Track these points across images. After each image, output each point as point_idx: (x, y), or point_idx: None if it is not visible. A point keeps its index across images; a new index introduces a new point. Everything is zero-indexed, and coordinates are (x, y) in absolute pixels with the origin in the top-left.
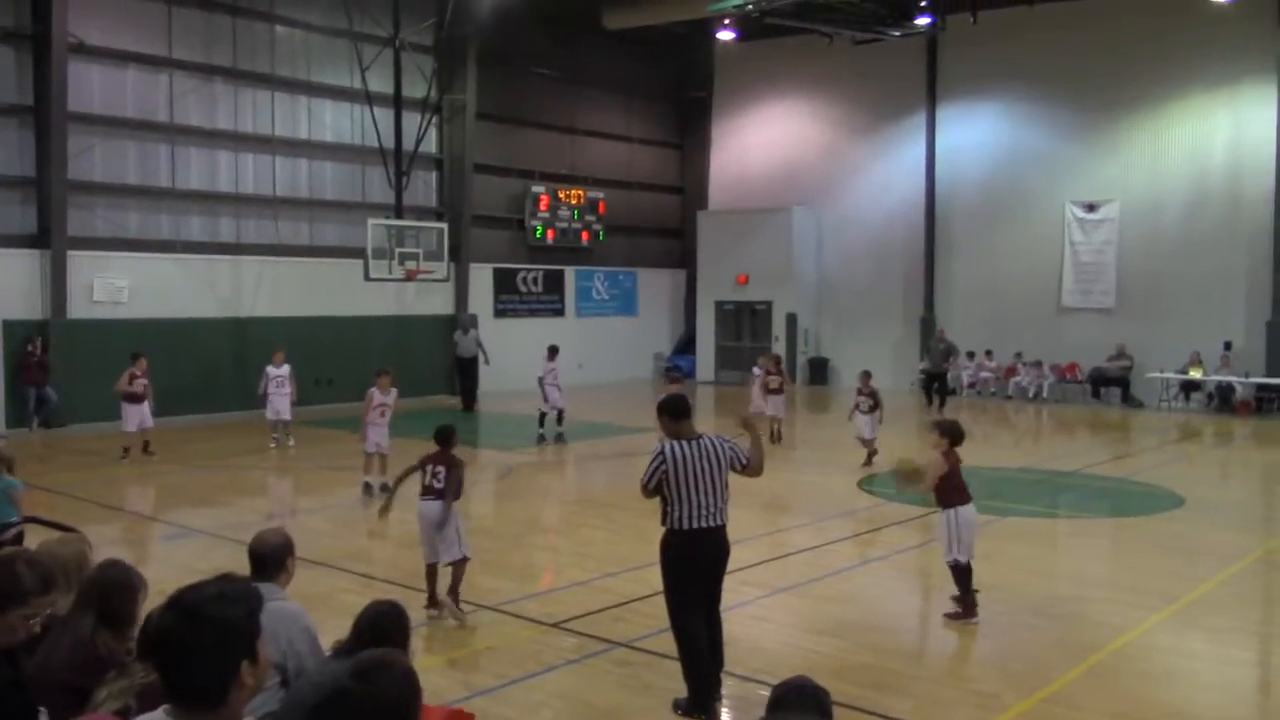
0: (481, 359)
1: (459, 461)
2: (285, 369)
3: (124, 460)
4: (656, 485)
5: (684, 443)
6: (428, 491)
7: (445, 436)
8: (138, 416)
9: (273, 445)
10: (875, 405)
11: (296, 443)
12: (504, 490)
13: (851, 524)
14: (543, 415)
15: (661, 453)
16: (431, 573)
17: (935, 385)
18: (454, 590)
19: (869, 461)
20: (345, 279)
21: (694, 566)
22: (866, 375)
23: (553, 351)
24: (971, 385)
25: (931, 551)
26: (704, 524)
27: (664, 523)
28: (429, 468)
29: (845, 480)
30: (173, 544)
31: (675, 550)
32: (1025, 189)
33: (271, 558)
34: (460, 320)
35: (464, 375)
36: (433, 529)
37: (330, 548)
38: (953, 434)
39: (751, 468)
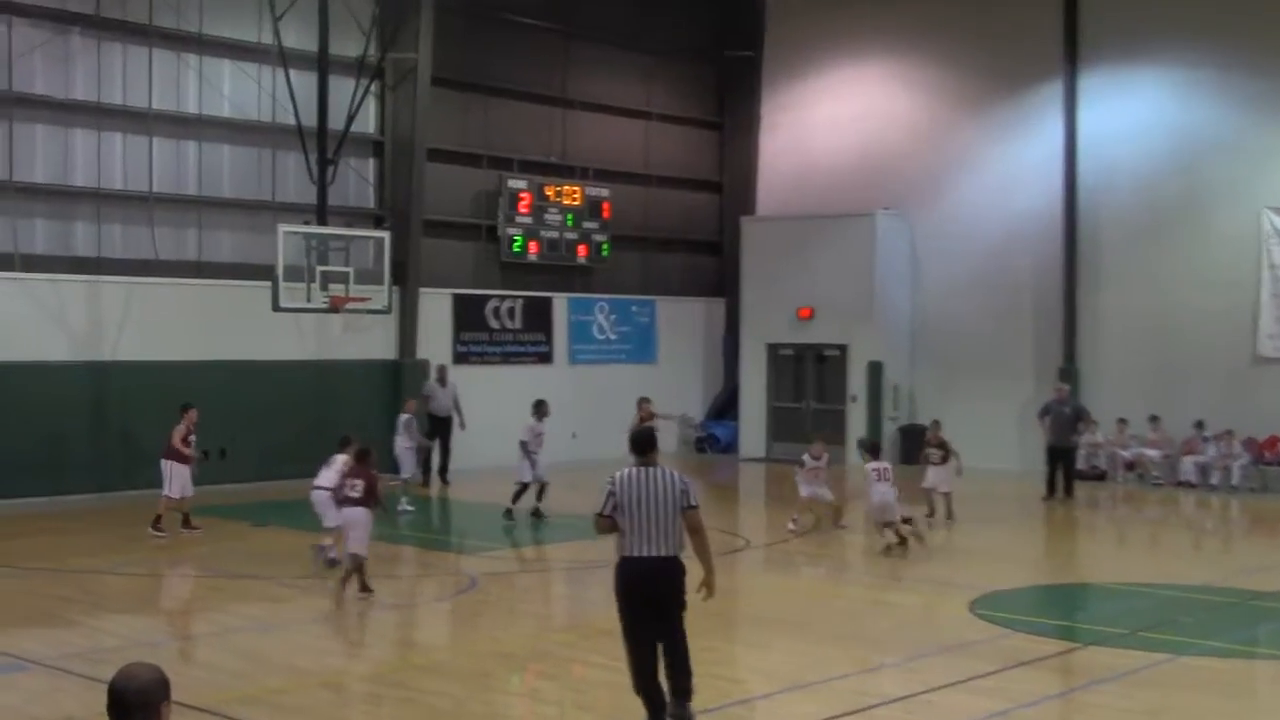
0: (456, 420)
1: (374, 475)
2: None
3: (159, 535)
4: (611, 513)
5: (636, 469)
6: (347, 500)
7: (362, 455)
8: (183, 481)
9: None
10: (946, 456)
11: (177, 536)
12: (465, 610)
13: (961, 663)
14: (520, 489)
15: (613, 479)
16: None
17: (1059, 465)
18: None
19: (932, 513)
20: (247, 308)
21: (642, 593)
22: (936, 424)
23: (539, 408)
24: (1130, 466)
25: (1074, 705)
26: (653, 552)
27: (617, 551)
28: (348, 480)
29: (955, 602)
30: None
31: (624, 576)
32: (1204, 191)
33: (138, 703)
34: (436, 368)
35: (437, 438)
36: (361, 528)
37: (223, 688)
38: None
39: (691, 521)
